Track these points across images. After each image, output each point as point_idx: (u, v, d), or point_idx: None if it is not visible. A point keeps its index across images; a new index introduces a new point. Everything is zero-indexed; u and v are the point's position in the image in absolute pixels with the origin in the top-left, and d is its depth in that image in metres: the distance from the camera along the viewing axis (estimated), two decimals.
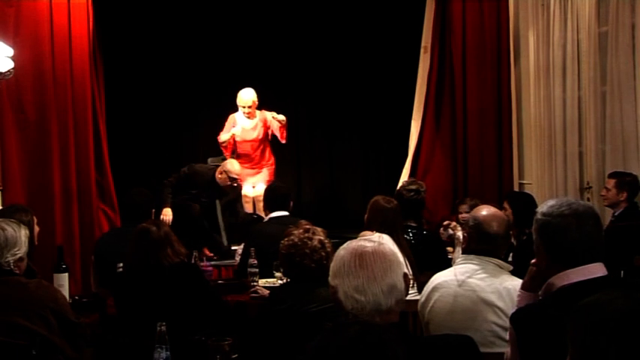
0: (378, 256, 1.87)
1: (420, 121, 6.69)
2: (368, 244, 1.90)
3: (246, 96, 6.43)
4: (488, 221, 2.78)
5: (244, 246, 4.58)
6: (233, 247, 5.90)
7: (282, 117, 6.48)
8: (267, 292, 3.82)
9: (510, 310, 2.34)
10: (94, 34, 6.01)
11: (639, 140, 5.01)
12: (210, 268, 4.65)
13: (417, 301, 2.96)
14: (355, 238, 2.06)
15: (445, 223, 4.74)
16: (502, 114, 6.37)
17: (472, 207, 3.91)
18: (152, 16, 7.39)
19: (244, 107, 6.44)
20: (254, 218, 5.83)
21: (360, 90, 7.99)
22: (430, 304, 2.80)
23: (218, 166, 6.19)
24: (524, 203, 4.59)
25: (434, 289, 2.82)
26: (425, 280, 3.03)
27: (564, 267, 1.99)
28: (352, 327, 1.43)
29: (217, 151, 6.78)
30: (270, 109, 6.57)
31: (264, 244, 4.22)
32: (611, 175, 4.98)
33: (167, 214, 5.81)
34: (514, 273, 2.78)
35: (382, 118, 7.98)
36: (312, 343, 1.43)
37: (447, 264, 3.96)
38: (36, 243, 3.84)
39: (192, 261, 4.13)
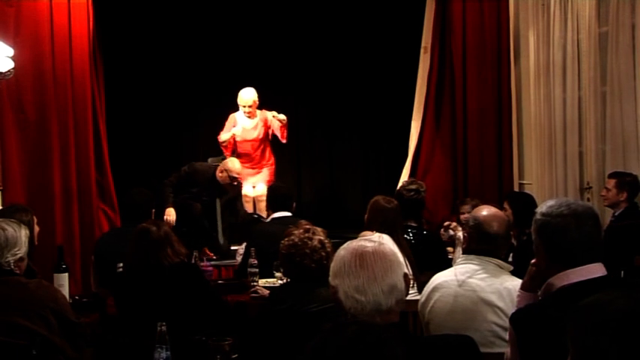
0: (379, 256, 1.87)
1: (420, 121, 6.69)
2: (368, 244, 1.90)
3: (247, 95, 6.43)
4: (488, 221, 2.78)
5: (246, 246, 4.59)
6: (233, 247, 5.91)
7: (282, 116, 6.48)
8: (267, 292, 3.83)
9: (510, 310, 2.34)
10: (94, 34, 6.01)
11: (639, 140, 5.01)
12: (210, 268, 4.65)
13: (417, 301, 2.96)
14: (355, 238, 2.06)
15: (446, 223, 4.74)
16: (502, 114, 6.37)
17: (474, 207, 3.91)
18: (152, 16, 7.39)
19: (245, 107, 6.45)
20: (254, 218, 5.84)
21: (360, 90, 7.98)
22: (430, 304, 2.80)
23: (218, 164, 6.19)
24: (524, 203, 4.59)
25: (434, 289, 2.82)
26: (425, 280, 3.03)
27: (564, 267, 1.99)
28: (351, 327, 1.43)
29: (217, 151, 6.78)
30: (270, 109, 6.57)
31: (264, 244, 4.23)
32: (612, 175, 4.98)
33: (170, 214, 5.81)
34: (514, 273, 2.78)
35: (382, 118, 7.98)
36: (311, 343, 1.43)
37: (447, 264, 3.96)
38: (36, 243, 3.84)
39: (192, 261, 4.13)
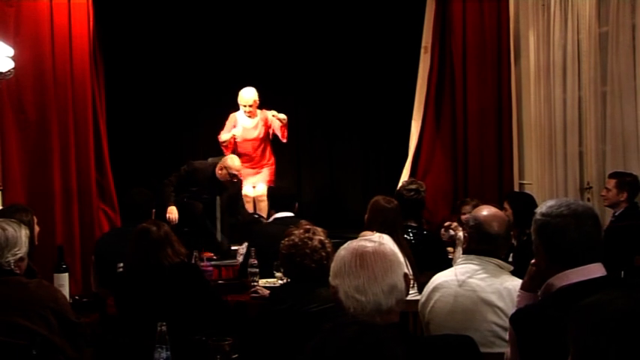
0: (379, 256, 1.87)
1: (420, 121, 6.69)
2: (368, 244, 1.90)
3: (248, 95, 6.44)
4: (488, 221, 2.78)
5: (246, 246, 4.59)
6: (233, 247, 5.90)
7: (283, 116, 6.49)
8: (268, 292, 3.83)
9: (510, 311, 2.34)
10: (94, 34, 6.01)
11: (639, 140, 5.01)
12: (210, 268, 4.64)
13: (417, 301, 2.96)
14: (355, 238, 2.06)
15: (446, 224, 4.74)
16: (502, 114, 6.36)
17: (475, 207, 3.90)
18: (152, 16, 7.39)
19: (246, 106, 6.45)
20: (255, 218, 5.84)
21: (360, 90, 7.98)
22: (430, 304, 2.80)
23: (217, 162, 6.19)
24: (524, 203, 4.58)
25: (434, 289, 2.82)
26: (425, 280, 3.03)
27: (563, 267, 1.99)
28: (351, 327, 1.43)
29: (218, 151, 6.78)
30: (270, 109, 6.57)
31: (264, 244, 4.23)
32: (612, 176, 4.98)
33: (172, 212, 5.82)
34: (514, 273, 2.78)
35: (382, 118, 7.98)
36: (311, 344, 1.43)
37: (448, 264, 3.96)
38: (36, 243, 3.84)
39: (193, 261, 4.13)
